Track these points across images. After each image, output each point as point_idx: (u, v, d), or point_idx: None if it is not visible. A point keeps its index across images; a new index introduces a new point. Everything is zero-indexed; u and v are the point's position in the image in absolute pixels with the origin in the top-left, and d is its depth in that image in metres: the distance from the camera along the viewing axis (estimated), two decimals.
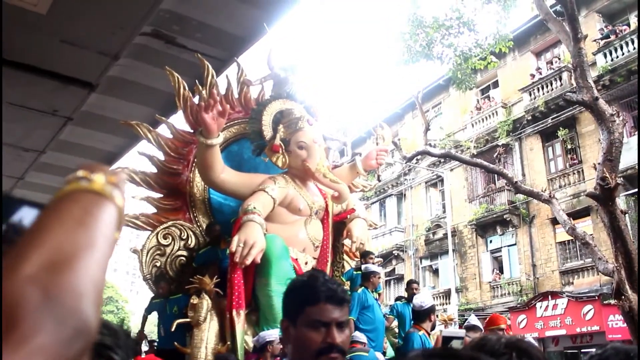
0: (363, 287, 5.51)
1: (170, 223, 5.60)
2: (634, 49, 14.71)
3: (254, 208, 4.71)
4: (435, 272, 20.97)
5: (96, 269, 0.51)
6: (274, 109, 5.53)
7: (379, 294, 6.18)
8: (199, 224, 5.72)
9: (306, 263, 5.22)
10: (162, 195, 5.71)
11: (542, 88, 17.25)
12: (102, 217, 0.55)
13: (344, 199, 5.30)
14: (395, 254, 22.37)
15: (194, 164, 5.70)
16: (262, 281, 4.78)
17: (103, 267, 0.52)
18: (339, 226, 5.84)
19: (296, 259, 5.08)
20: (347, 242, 5.99)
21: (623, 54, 15.14)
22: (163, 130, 5.62)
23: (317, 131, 5.54)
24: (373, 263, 5.77)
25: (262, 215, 4.76)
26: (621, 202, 12.96)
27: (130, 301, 47.29)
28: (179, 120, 6.70)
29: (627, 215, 11.55)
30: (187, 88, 5.25)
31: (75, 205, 0.54)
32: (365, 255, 5.83)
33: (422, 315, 4.83)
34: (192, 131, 5.73)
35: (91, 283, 0.50)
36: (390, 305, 5.96)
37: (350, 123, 7.37)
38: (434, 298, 14.38)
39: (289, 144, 5.33)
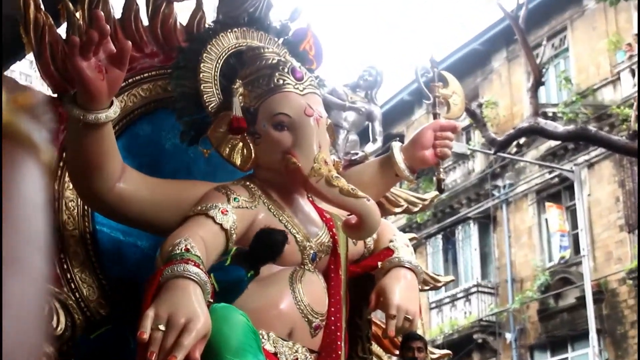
0: None
1: None
2: None
3: (185, 252, 4.72)
4: None
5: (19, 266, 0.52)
6: (224, 48, 5.56)
7: None
8: (74, 285, 5.75)
9: None
10: None
11: None
12: (13, 165, 0.57)
13: (369, 230, 5.31)
14: (479, 341, 22.56)
15: (62, 163, 5.75)
16: None
17: (31, 259, 0.54)
18: (363, 284, 5.87)
19: (275, 354, 5.10)
20: (377, 315, 6.02)
21: None
22: None
23: (314, 93, 5.58)
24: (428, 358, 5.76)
25: (204, 266, 4.78)
26: None
27: None
28: (30, 75, 6.77)
29: None
30: (43, 9, 5.30)
31: None
32: (407, 344, 5.88)
33: None
34: (55, 96, 5.78)
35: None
36: None
37: (382, 74, 7.34)
38: None
39: (257, 120, 5.35)
